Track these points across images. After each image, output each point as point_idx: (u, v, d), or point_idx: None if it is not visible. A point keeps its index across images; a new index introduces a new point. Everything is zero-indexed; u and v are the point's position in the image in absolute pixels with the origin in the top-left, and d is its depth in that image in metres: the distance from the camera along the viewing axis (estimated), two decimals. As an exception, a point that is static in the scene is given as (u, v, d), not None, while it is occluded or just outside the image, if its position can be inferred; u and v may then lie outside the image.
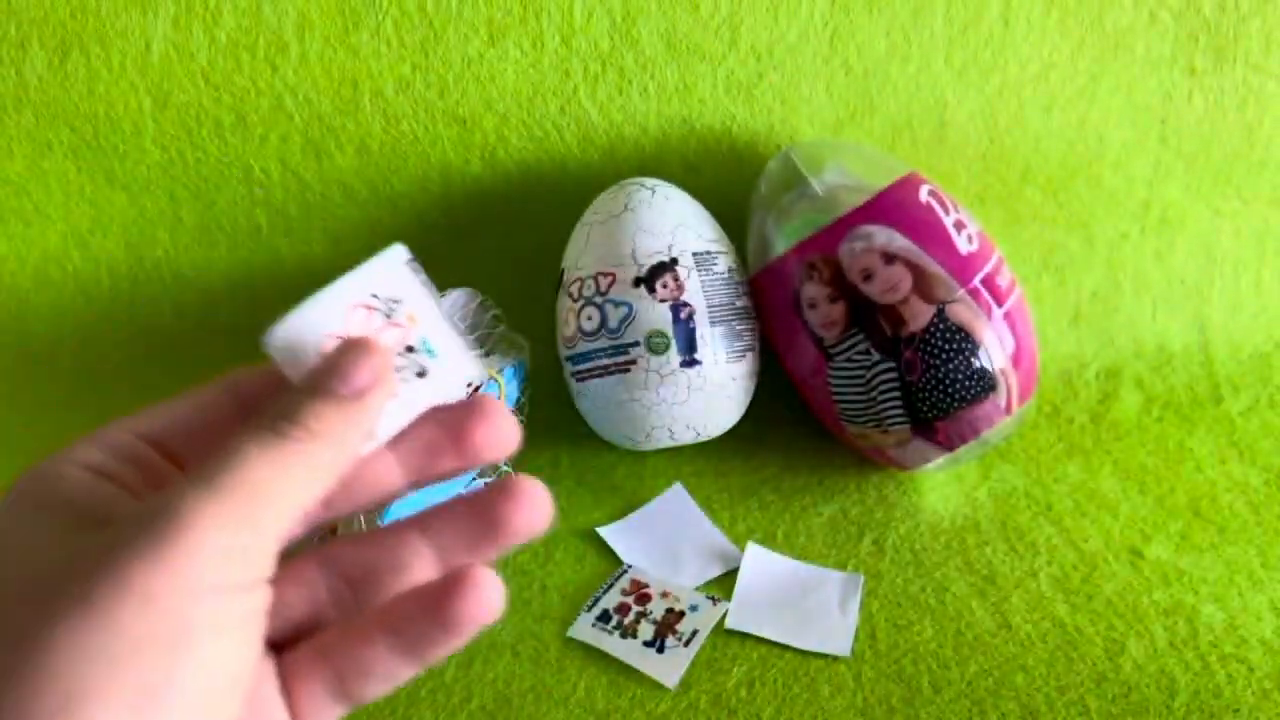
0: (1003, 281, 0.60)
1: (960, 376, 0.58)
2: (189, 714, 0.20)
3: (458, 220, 0.76)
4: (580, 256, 0.64)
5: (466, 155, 0.74)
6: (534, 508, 0.26)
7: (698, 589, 0.56)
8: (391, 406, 0.25)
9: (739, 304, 0.63)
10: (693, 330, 0.61)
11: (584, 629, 0.53)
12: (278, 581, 0.25)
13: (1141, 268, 0.76)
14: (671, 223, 0.62)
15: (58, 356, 0.80)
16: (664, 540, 0.60)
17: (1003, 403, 0.59)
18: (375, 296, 0.26)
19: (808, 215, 0.61)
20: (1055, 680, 0.49)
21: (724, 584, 0.56)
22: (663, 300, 0.60)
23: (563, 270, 0.66)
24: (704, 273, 0.62)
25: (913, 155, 0.73)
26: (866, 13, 0.70)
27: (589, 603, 0.54)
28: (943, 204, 0.60)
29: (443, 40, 0.71)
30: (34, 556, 0.22)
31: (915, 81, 0.71)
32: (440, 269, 0.85)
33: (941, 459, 0.61)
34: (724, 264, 0.63)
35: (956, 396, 0.58)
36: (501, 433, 0.26)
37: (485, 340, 0.67)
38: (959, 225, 0.60)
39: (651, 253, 0.61)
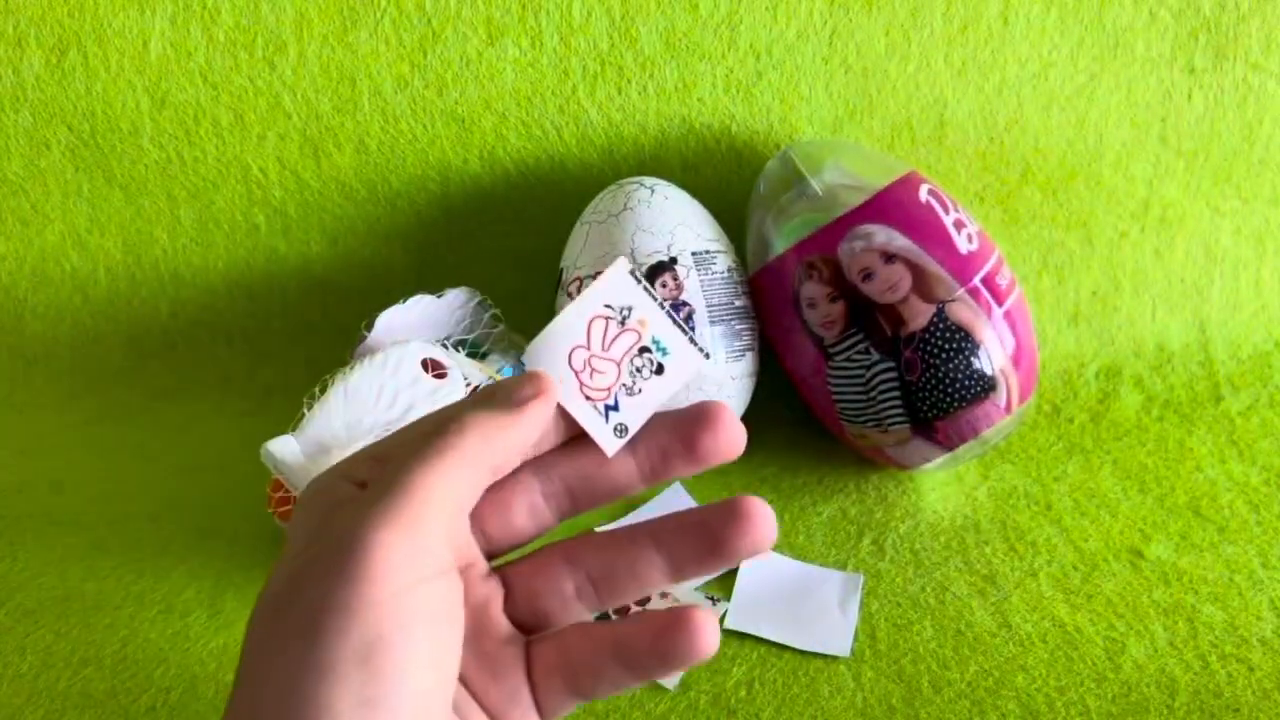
0: (1002, 281, 0.60)
1: (960, 376, 0.58)
2: (412, 715, 0.23)
3: (457, 219, 0.76)
4: (579, 256, 0.64)
5: (465, 154, 0.74)
6: (758, 530, 0.28)
7: (697, 589, 0.56)
8: (635, 402, 0.29)
9: (738, 303, 0.63)
10: (692, 330, 0.60)
11: (583, 629, 0.53)
12: (530, 575, 0.29)
13: (1141, 267, 0.75)
14: (671, 222, 0.62)
15: (55, 356, 0.80)
16: (663, 540, 0.59)
17: (1002, 402, 0.59)
18: (609, 307, 0.30)
19: (807, 214, 0.61)
20: (1055, 680, 0.49)
21: (723, 584, 0.56)
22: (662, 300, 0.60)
23: (562, 269, 0.65)
24: (703, 272, 0.62)
25: (912, 154, 0.73)
26: (865, 12, 0.70)
27: (588, 603, 0.54)
28: (942, 203, 0.60)
29: (441, 39, 0.71)
30: (281, 570, 0.25)
31: (914, 80, 0.71)
32: (439, 268, 0.86)
33: (941, 458, 0.61)
34: (723, 263, 0.63)
35: (956, 396, 0.58)
36: (728, 439, 0.29)
37: (484, 340, 0.67)
38: (958, 224, 0.60)
39: (650, 252, 0.61)
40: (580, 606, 0.29)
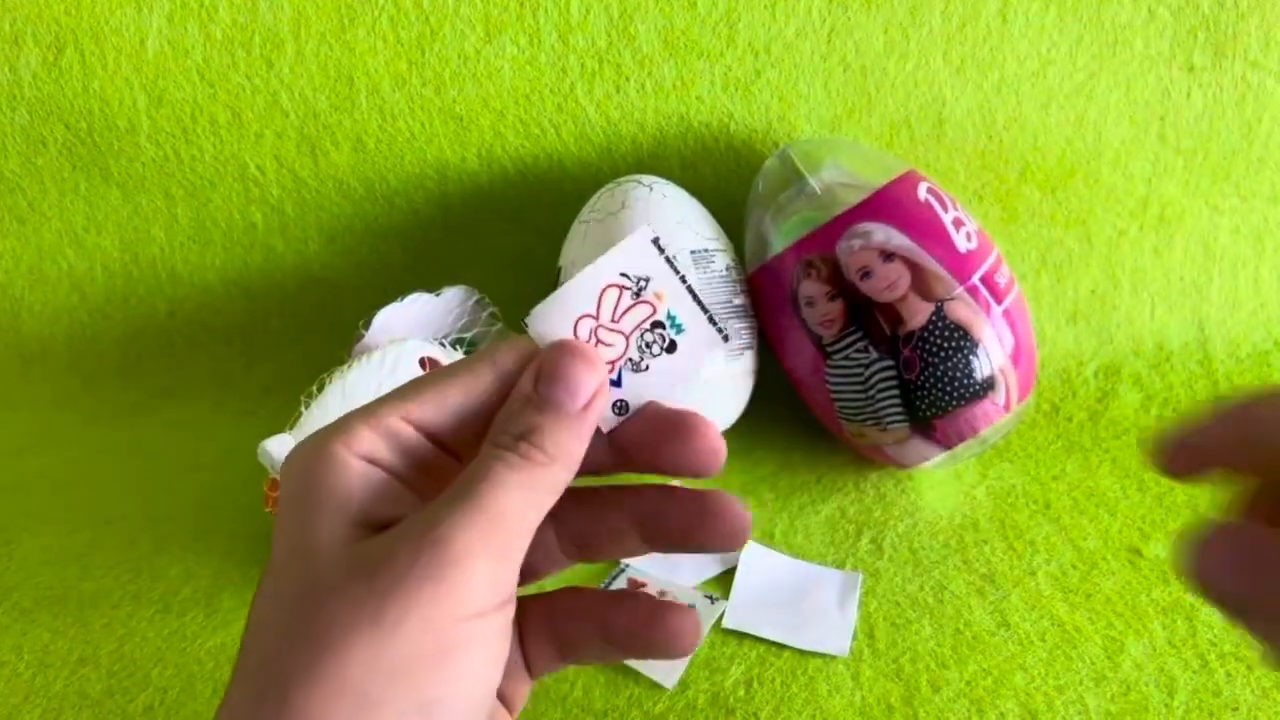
0: (1001, 279, 0.60)
1: (959, 374, 0.58)
2: (459, 718, 0.23)
3: (454, 218, 0.75)
4: (578, 254, 0.63)
5: (463, 152, 0.74)
6: (727, 529, 0.28)
7: (696, 588, 0.56)
8: (640, 380, 0.28)
9: (736, 302, 0.63)
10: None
11: (581, 628, 0.52)
12: None
13: (1140, 265, 0.75)
14: (669, 221, 0.62)
15: (52, 355, 0.79)
16: (661, 539, 0.59)
17: (1001, 401, 0.59)
18: (625, 276, 0.27)
19: (805, 213, 0.61)
20: (1054, 679, 0.49)
21: (722, 583, 0.56)
22: (660, 298, 0.60)
23: (560, 268, 0.65)
24: (701, 271, 0.61)
25: (911, 152, 0.72)
26: (864, 9, 0.70)
27: (586, 602, 0.54)
28: (941, 201, 0.60)
29: (439, 37, 0.71)
30: (322, 555, 0.24)
31: (913, 78, 0.71)
32: (437, 267, 0.86)
33: (940, 457, 0.61)
34: (721, 262, 0.63)
35: (955, 395, 0.58)
36: (698, 459, 0.28)
37: (482, 339, 0.67)
38: (957, 223, 0.60)
39: (649, 250, 0.61)
40: (563, 559, 0.30)
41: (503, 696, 0.29)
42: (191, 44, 0.71)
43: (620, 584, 0.55)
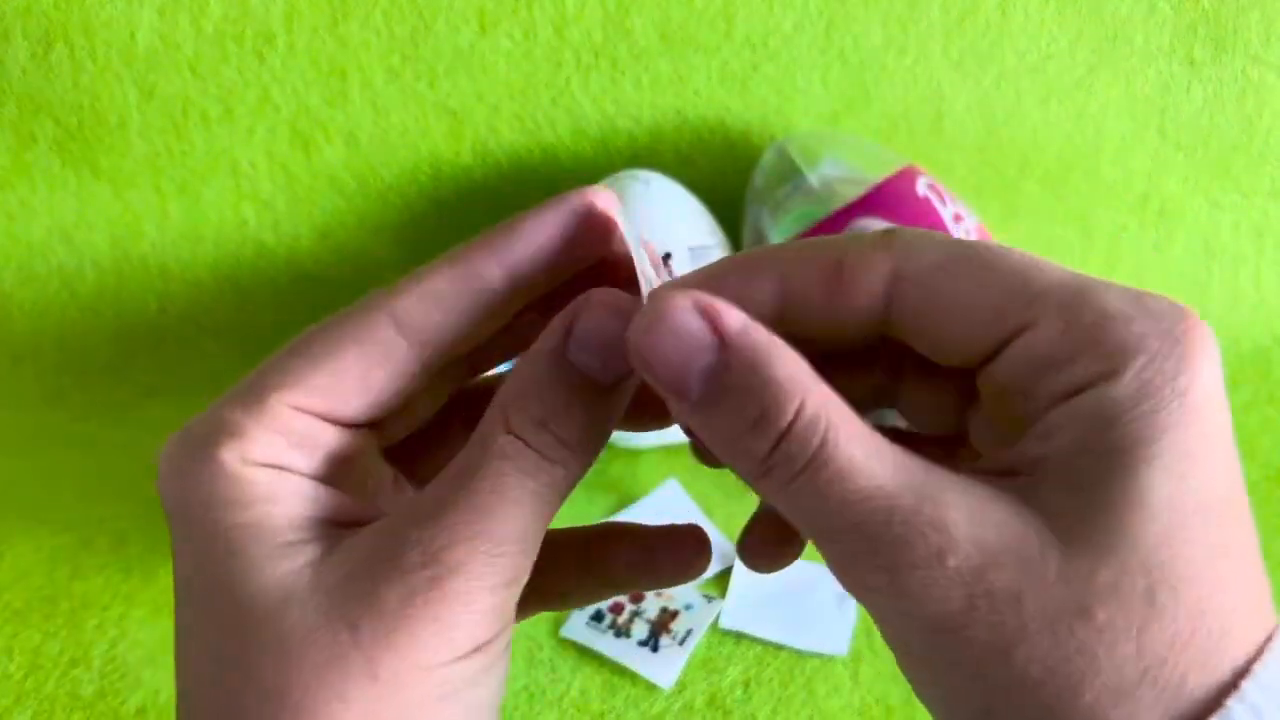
0: (1001, 275, 0.59)
1: (958, 371, 0.57)
2: None
3: (448, 213, 0.75)
4: (573, 250, 0.63)
5: (457, 147, 0.73)
6: (688, 561, 0.27)
7: (694, 587, 0.55)
8: None
9: (734, 298, 0.62)
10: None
11: (577, 628, 0.52)
12: None
13: (1140, 261, 0.75)
14: (665, 216, 0.62)
15: (42, 352, 0.79)
16: (658, 538, 0.59)
17: (1001, 398, 0.58)
18: (647, 243, 0.25)
19: (804, 208, 0.60)
20: (1054, 679, 0.48)
21: (719, 582, 0.56)
22: (657, 295, 0.60)
23: (555, 264, 0.65)
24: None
25: (909, 147, 0.72)
26: (862, 3, 0.69)
27: (582, 602, 0.54)
28: (940, 196, 0.60)
29: (433, 30, 0.70)
30: (268, 599, 0.20)
31: (912, 73, 0.70)
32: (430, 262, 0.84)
33: (939, 455, 0.60)
34: (718, 258, 0.62)
35: (954, 392, 0.57)
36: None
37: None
38: (957, 218, 0.59)
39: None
40: None
41: None
42: (182, 38, 0.71)
43: (617, 584, 0.55)
